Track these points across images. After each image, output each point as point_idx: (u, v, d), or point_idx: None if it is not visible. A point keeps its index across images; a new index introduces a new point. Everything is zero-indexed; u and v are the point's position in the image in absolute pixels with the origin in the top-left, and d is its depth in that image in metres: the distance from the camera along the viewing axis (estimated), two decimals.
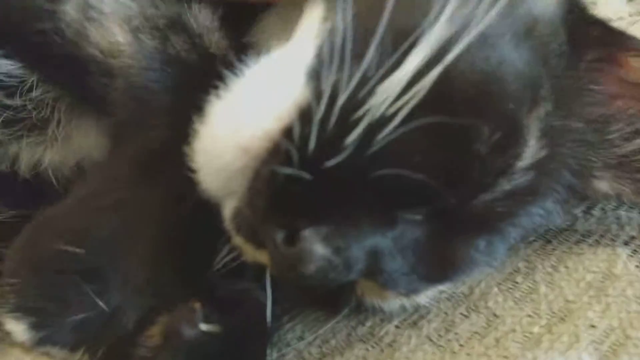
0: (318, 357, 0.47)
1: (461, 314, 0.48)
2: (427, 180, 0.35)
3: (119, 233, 0.41)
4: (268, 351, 0.46)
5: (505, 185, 0.39)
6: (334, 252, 0.35)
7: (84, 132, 0.49)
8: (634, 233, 0.51)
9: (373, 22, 0.35)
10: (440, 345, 0.46)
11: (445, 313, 0.49)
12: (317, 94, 0.35)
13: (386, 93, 0.34)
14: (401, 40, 0.35)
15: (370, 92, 0.34)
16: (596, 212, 0.53)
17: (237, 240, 0.41)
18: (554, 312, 0.47)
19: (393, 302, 0.45)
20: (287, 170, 0.34)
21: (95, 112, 0.48)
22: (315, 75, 0.36)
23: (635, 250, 0.50)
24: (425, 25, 0.35)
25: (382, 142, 0.34)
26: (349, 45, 0.35)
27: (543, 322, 0.46)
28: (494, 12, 0.36)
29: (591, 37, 0.46)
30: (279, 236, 0.35)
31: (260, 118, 0.36)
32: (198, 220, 0.42)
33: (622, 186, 0.48)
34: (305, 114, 0.35)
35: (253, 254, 0.41)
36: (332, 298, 0.47)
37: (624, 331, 0.44)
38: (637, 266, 0.49)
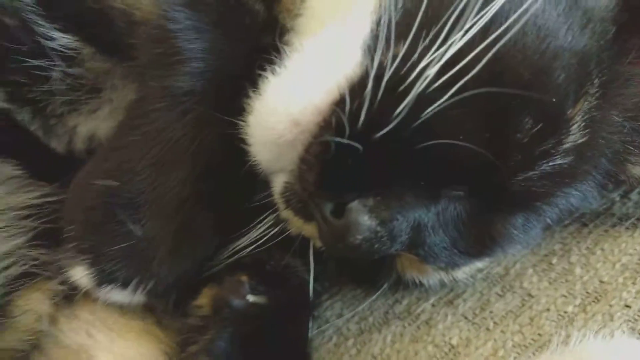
0: (356, 333, 0.49)
1: (496, 293, 0.50)
2: (471, 151, 0.36)
3: (149, 164, 0.43)
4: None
5: (545, 166, 0.40)
6: (380, 224, 0.37)
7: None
8: None
9: (418, 4, 0.37)
10: (475, 323, 0.48)
11: (481, 292, 0.50)
12: (366, 69, 0.37)
13: (432, 68, 0.35)
14: (446, 19, 0.37)
15: (415, 67, 0.36)
16: (634, 196, 0.54)
17: (286, 214, 0.43)
18: (588, 293, 0.47)
19: (432, 277, 0.47)
20: (339, 140, 0.36)
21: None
22: (363, 51, 0.38)
23: None
24: (471, 4, 0.36)
25: (429, 114, 0.35)
26: (396, 24, 0.37)
27: (577, 301, 0.47)
28: None
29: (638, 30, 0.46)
30: (328, 208, 0.37)
31: (312, 92, 0.38)
32: (230, 164, 0.44)
33: None
34: (355, 88, 0.36)
35: (300, 228, 0.43)
36: (372, 273, 0.49)
37: None
38: None
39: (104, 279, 0.43)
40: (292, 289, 0.45)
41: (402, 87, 0.36)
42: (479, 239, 0.43)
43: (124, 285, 0.43)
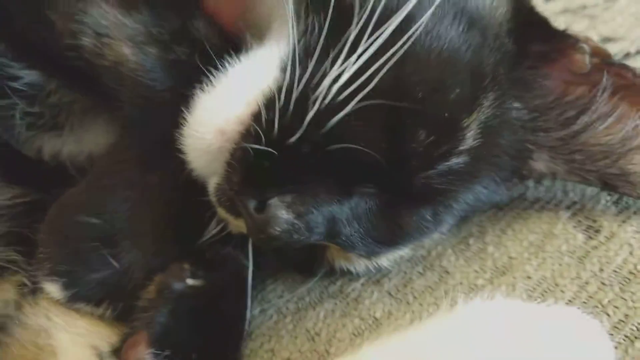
0: (294, 311, 0.55)
1: (418, 272, 0.56)
2: (372, 155, 0.42)
3: (127, 206, 0.49)
4: (252, 307, 0.54)
5: (441, 167, 0.45)
6: (297, 217, 0.43)
7: (94, 129, 0.57)
8: (576, 199, 0.58)
9: (320, 25, 0.43)
10: (398, 298, 0.54)
11: (405, 272, 0.56)
12: (279, 86, 0.43)
13: (335, 83, 0.42)
14: (345, 39, 0.43)
15: (320, 83, 0.42)
16: (546, 182, 0.60)
17: (220, 212, 0.49)
18: (497, 268, 0.53)
19: (358, 264, 0.53)
20: (256, 147, 0.42)
21: (104, 111, 0.57)
22: (279, 68, 0.44)
23: (574, 213, 0.56)
24: (362, 23, 0.42)
25: (333, 122, 0.41)
26: (305, 46, 0.44)
27: (487, 275, 0.53)
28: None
29: (536, 36, 0.52)
30: (251, 205, 0.43)
31: (234, 105, 0.44)
32: (190, 197, 0.49)
33: (556, 166, 0.54)
34: (269, 102, 0.43)
35: (234, 223, 0.49)
36: (307, 263, 0.55)
37: (554, 280, 0.50)
38: (574, 226, 0.55)
39: (77, 298, 0.48)
40: (229, 274, 0.50)
41: (310, 100, 0.42)
42: (390, 229, 0.48)
43: (97, 304, 0.49)
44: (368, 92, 0.41)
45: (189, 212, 0.51)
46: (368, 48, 0.42)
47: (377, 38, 0.42)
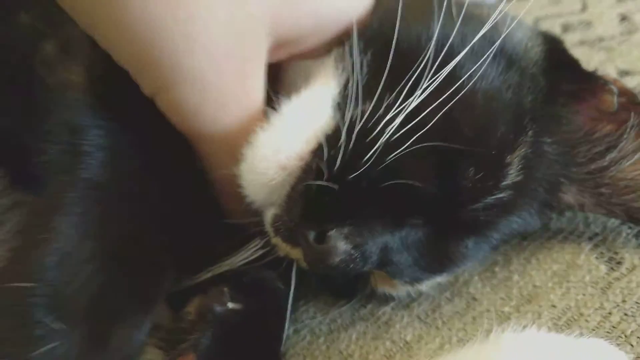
0: (327, 333, 0.57)
1: (446, 297, 0.58)
2: (423, 189, 0.46)
3: (59, 258, 0.43)
4: (286, 327, 0.56)
5: (487, 200, 0.49)
6: (354, 248, 0.46)
7: None
8: (597, 230, 0.60)
9: (381, 69, 0.47)
10: (427, 323, 0.56)
11: (433, 297, 0.58)
12: (336, 124, 0.46)
13: (393, 122, 0.45)
14: (402, 83, 0.46)
15: (380, 121, 0.45)
16: (568, 213, 0.62)
17: (275, 240, 0.51)
18: (522, 296, 0.56)
19: (400, 290, 0.55)
20: (319, 182, 0.44)
21: None
22: (336, 109, 0.47)
23: (596, 245, 0.59)
24: (420, 69, 0.46)
25: (390, 159, 0.44)
26: (363, 85, 0.47)
27: (513, 303, 0.55)
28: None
29: (567, 75, 0.56)
30: (311, 236, 0.46)
31: (295, 143, 0.47)
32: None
33: (584, 198, 0.57)
34: (330, 139, 0.46)
35: (288, 251, 0.51)
36: (349, 288, 0.57)
37: (578, 310, 0.53)
38: (596, 257, 0.57)
39: None
40: (268, 297, 0.53)
41: (369, 138, 0.45)
42: (436, 258, 0.51)
43: None
44: (422, 132, 0.44)
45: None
46: (424, 91, 0.45)
47: (432, 82, 0.45)
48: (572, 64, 0.56)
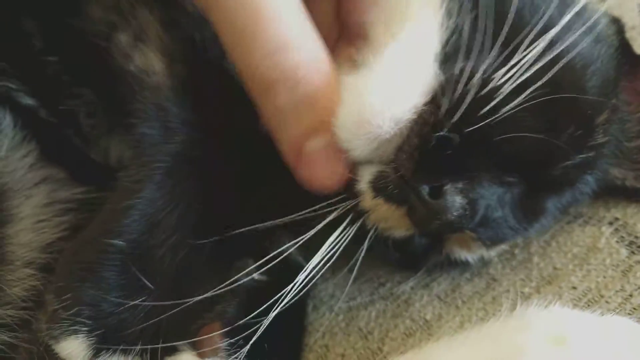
0: (346, 310, 0.57)
1: (466, 278, 0.58)
2: (532, 143, 0.45)
3: (151, 224, 0.46)
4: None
5: (577, 159, 0.49)
6: (468, 203, 0.45)
7: None
8: (618, 215, 0.60)
9: (501, 20, 0.45)
10: (447, 302, 0.56)
11: (453, 277, 0.58)
12: (452, 76, 0.44)
13: (509, 76, 0.44)
14: (521, 37, 0.45)
15: (495, 75, 0.44)
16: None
17: (372, 202, 0.48)
18: (543, 277, 0.56)
19: (476, 254, 0.55)
20: (440, 134, 0.43)
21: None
22: (448, 60, 0.46)
23: (617, 229, 0.59)
24: (539, 26, 0.45)
25: (505, 112, 0.43)
26: (482, 37, 0.45)
27: (533, 284, 0.55)
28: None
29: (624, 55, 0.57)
30: (424, 191, 0.44)
31: (411, 93, 0.44)
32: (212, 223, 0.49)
33: (627, 172, 0.58)
34: (447, 91, 0.44)
35: (383, 215, 0.48)
36: (421, 256, 0.56)
37: (599, 291, 0.53)
38: (617, 241, 0.57)
39: (105, 345, 0.43)
40: (290, 272, 0.52)
41: (486, 91, 0.44)
42: (525, 217, 0.51)
43: (125, 353, 0.44)
44: (536, 87, 0.44)
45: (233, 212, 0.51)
46: (535, 48, 0.45)
47: (539, 43, 0.45)
48: (626, 45, 0.58)
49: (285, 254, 0.51)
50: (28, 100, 0.55)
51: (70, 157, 0.58)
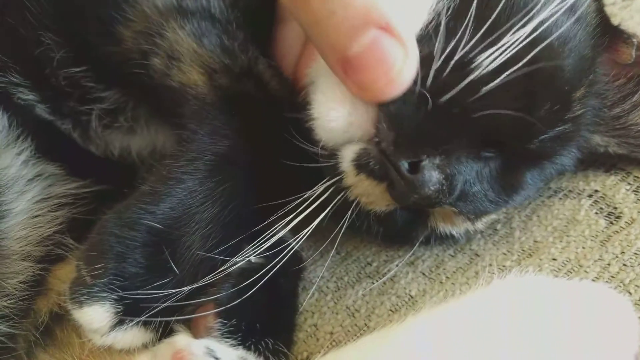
0: (334, 290, 0.59)
1: (449, 254, 0.60)
2: (508, 119, 0.46)
3: (187, 214, 0.48)
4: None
5: (554, 132, 0.51)
6: (444, 178, 0.46)
7: (162, 130, 0.61)
8: (597, 187, 0.62)
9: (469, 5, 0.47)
10: (431, 278, 0.58)
11: (437, 254, 0.60)
12: (431, 51, 0.45)
13: (491, 57, 0.45)
14: (509, 22, 0.46)
15: (477, 54, 0.45)
16: (568, 173, 0.64)
17: (354, 179, 0.49)
18: (524, 250, 0.57)
19: (461, 228, 0.56)
20: (417, 90, 0.44)
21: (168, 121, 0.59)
22: (429, 37, 0.47)
23: (596, 201, 0.60)
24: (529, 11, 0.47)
25: (487, 89, 0.44)
26: (466, 17, 0.46)
27: (515, 257, 0.57)
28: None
29: (602, 28, 0.58)
30: (404, 166, 0.45)
31: None
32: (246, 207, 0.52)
33: (610, 139, 0.60)
34: (425, 62, 0.45)
35: (364, 191, 0.50)
36: (408, 231, 0.57)
37: (578, 262, 0.55)
38: (596, 213, 0.59)
39: (127, 316, 0.45)
40: (284, 255, 0.53)
41: (469, 67, 0.45)
42: (503, 189, 0.53)
43: (145, 325, 0.46)
44: (516, 67, 0.45)
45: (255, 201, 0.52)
46: (521, 33, 0.46)
47: (523, 25, 0.46)
48: (606, 20, 0.59)
49: (278, 237, 0.52)
50: (28, 96, 0.57)
51: (65, 152, 0.60)
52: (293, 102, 0.53)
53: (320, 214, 0.50)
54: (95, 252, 0.45)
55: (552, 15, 0.48)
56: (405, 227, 0.56)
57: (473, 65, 0.45)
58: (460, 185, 0.48)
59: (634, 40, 0.59)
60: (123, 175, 0.61)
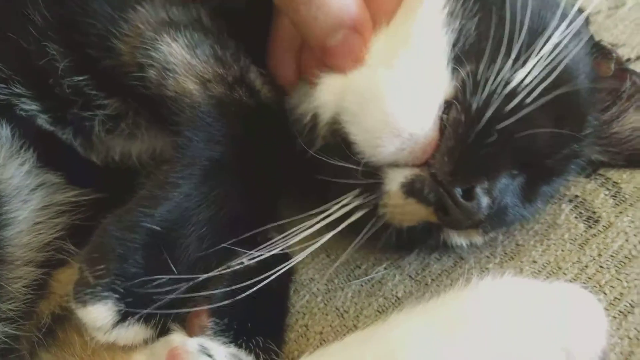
0: (324, 292, 0.61)
1: (435, 257, 0.62)
2: (542, 140, 0.51)
3: (184, 216, 0.51)
4: None
5: (569, 149, 0.55)
6: (492, 201, 0.50)
7: (159, 135, 0.64)
8: (578, 193, 0.64)
9: (518, 29, 0.50)
10: (417, 280, 0.60)
11: (423, 257, 0.62)
12: (474, 77, 0.49)
13: (529, 76, 0.49)
14: (534, 44, 0.50)
15: (516, 76, 0.49)
16: None
17: (399, 199, 0.52)
18: (506, 253, 0.60)
19: (474, 239, 0.59)
20: (477, 129, 0.47)
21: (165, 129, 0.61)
22: (461, 62, 0.50)
23: (576, 206, 0.63)
24: (547, 34, 0.50)
25: (524, 113, 0.48)
26: (489, 42, 0.50)
27: (497, 260, 0.59)
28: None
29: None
30: (458, 193, 0.49)
31: (432, 97, 0.49)
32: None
33: (595, 146, 0.64)
34: (471, 91, 0.49)
35: (408, 211, 0.53)
36: (421, 241, 0.60)
37: (557, 264, 0.57)
38: (575, 217, 0.61)
39: (129, 314, 0.47)
40: (277, 258, 0.54)
41: (509, 91, 0.49)
42: (523, 204, 0.56)
43: (146, 322, 0.48)
44: (542, 90, 0.49)
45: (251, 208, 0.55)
46: (543, 53, 0.50)
47: (545, 53, 0.50)
48: (590, 37, 0.63)
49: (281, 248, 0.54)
50: (31, 106, 0.59)
51: (65, 161, 0.62)
52: (284, 108, 0.56)
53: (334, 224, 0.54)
54: (98, 254, 0.48)
55: (564, 38, 0.51)
56: (420, 238, 0.59)
57: (513, 86, 0.48)
58: (498, 204, 0.51)
59: (613, 54, 0.63)
60: (119, 184, 0.63)
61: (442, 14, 0.52)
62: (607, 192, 0.63)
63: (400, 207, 0.53)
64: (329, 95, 0.54)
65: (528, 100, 0.48)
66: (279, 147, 0.54)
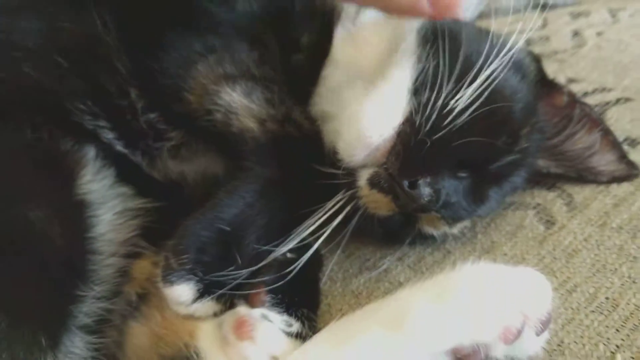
0: (342, 279, 0.78)
1: (428, 252, 0.79)
2: (477, 146, 0.67)
3: (247, 221, 0.66)
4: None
5: (508, 159, 0.72)
6: (434, 191, 0.66)
7: (210, 160, 0.79)
8: (540, 201, 0.82)
9: (452, 65, 0.68)
10: (415, 269, 0.77)
11: (419, 252, 0.79)
12: (422, 102, 0.66)
13: (461, 101, 0.65)
14: (467, 76, 0.67)
15: (452, 101, 0.66)
16: (519, 190, 0.84)
17: (368, 192, 0.69)
18: (484, 248, 0.77)
19: (441, 230, 0.76)
20: (417, 138, 0.64)
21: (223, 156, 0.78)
22: (417, 92, 0.68)
23: (538, 212, 0.80)
24: (478, 66, 0.68)
25: (458, 124, 0.65)
26: (440, 77, 0.67)
27: (477, 253, 0.76)
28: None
29: (541, 82, 0.81)
30: (405, 184, 0.65)
31: (392, 116, 0.67)
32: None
33: (549, 162, 0.83)
34: (419, 112, 0.66)
35: (374, 200, 0.69)
36: (401, 232, 0.77)
37: (522, 256, 0.74)
38: (537, 220, 0.79)
39: (205, 294, 0.62)
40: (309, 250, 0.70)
41: (446, 111, 0.65)
42: (473, 202, 0.72)
43: (217, 300, 0.63)
44: (478, 110, 0.66)
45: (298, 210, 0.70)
46: (474, 82, 0.67)
47: (483, 80, 0.67)
48: (543, 74, 0.82)
49: (304, 235, 0.69)
50: (109, 135, 0.74)
51: (135, 177, 0.78)
52: (320, 137, 0.74)
53: (334, 219, 0.70)
54: (182, 245, 0.63)
55: (498, 67, 0.68)
56: (399, 228, 0.76)
57: (449, 107, 0.66)
58: (444, 196, 0.67)
59: (564, 89, 0.82)
60: (175, 195, 0.80)
61: (411, 59, 0.71)
62: (562, 201, 0.81)
63: (370, 197, 0.69)
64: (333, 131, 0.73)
65: (461, 117, 0.65)
66: (315, 167, 0.70)
